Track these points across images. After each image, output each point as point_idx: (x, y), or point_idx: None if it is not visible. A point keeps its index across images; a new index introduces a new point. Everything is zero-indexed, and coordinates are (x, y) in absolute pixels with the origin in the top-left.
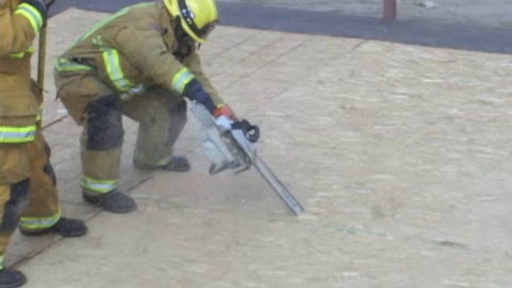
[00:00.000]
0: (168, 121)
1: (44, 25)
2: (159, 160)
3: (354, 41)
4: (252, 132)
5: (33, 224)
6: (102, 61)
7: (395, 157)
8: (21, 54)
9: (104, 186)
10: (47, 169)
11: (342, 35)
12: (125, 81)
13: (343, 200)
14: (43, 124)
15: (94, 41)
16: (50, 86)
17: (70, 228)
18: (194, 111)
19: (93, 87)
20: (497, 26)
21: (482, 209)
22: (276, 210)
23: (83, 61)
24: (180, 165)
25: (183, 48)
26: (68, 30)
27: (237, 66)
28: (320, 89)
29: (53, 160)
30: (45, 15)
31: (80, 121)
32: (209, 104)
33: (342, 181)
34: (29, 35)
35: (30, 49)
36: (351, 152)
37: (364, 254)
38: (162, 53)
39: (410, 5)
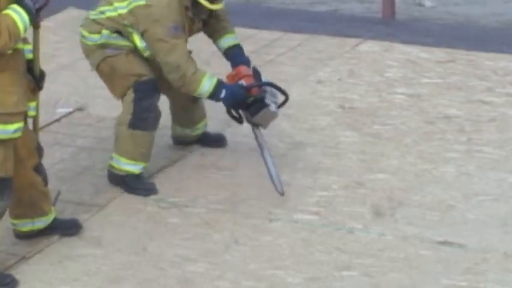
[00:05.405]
0: None
1: (37, 27)
2: (195, 129)
3: (352, 41)
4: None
5: (27, 226)
6: (133, 40)
7: (395, 157)
8: (9, 51)
9: (137, 168)
10: (38, 169)
11: (341, 34)
12: None
13: (342, 199)
14: (41, 124)
15: (126, 22)
16: (50, 84)
17: (64, 228)
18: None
19: (142, 67)
20: (496, 26)
21: (481, 209)
22: (275, 210)
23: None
24: (218, 140)
25: (202, 15)
26: (67, 29)
27: None
28: (319, 88)
29: (51, 160)
30: (33, 18)
31: (121, 96)
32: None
33: (341, 181)
34: (13, 35)
35: (18, 46)
36: (350, 151)
37: (363, 254)
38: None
39: (409, 4)
